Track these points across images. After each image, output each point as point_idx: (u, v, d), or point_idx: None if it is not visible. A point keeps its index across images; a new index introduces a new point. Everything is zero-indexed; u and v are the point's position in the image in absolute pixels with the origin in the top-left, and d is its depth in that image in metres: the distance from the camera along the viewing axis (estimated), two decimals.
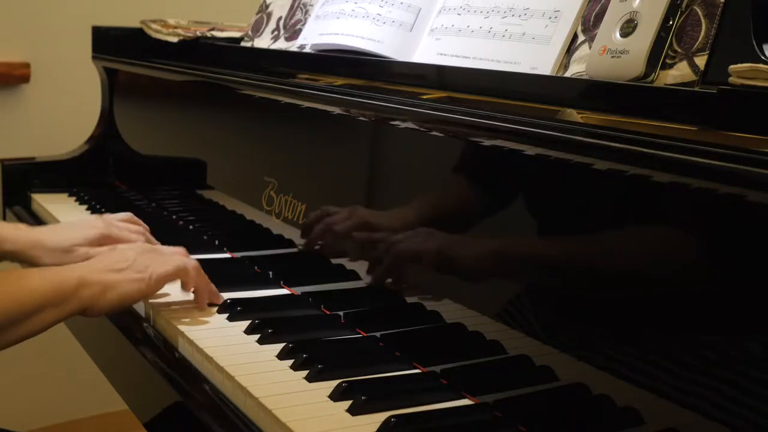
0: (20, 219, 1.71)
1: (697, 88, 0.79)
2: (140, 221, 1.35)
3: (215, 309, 1.13)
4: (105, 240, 1.25)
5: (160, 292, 1.12)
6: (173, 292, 1.16)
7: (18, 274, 1.03)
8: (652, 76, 0.83)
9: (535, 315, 0.89)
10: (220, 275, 1.18)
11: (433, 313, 1.00)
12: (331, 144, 1.25)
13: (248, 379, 0.92)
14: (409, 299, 1.05)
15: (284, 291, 1.22)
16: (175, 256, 1.13)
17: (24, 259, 1.24)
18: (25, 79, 2.28)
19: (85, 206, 1.69)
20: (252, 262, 1.33)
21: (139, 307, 1.15)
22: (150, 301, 1.14)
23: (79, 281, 1.02)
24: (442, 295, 1.00)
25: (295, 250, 1.27)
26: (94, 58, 1.93)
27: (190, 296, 1.15)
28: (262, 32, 1.53)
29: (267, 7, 1.56)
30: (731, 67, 0.72)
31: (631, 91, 0.82)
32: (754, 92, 0.69)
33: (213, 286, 1.14)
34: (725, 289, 0.71)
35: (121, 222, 1.32)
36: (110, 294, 1.04)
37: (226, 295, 1.15)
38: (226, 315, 1.10)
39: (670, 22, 0.83)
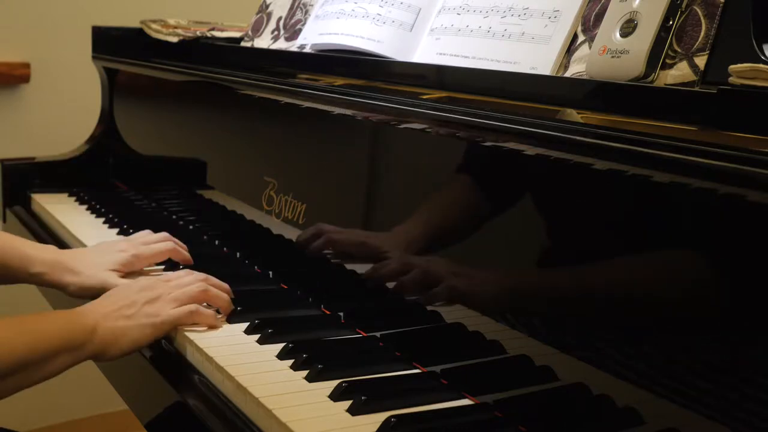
0: (20, 219, 1.71)
1: (697, 88, 0.79)
2: (173, 238, 1.31)
3: (215, 309, 1.13)
4: (135, 260, 1.24)
5: None
6: None
7: (33, 319, 1.02)
8: (652, 76, 0.83)
9: (536, 315, 0.89)
10: (220, 276, 1.18)
11: (433, 313, 1.00)
12: (331, 144, 1.25)
13: (248, 379, 0.92)
14: (409, 299, 1.05)
15: (284, 291, 1.22)
16: (188, 290, 1.09)
17: (51, 282, 1.23)
18: (25, 79, 2.28)
19: (85, 206, 1.69)
20: (252, 262, 1.33)
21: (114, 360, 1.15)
22: None
23: (93, 328, 1.01)
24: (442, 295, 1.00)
25: (295, 250, 1.27)
26: (94, 58, 1.93)
27: None
28: (262, 32, 1.53)
29: (267, 7, 1.56)
30: (731, 67, 0.72)
31: (631, 91, 0.82)
32: (754, 92, 0.69)
33: (225, 296, 1.12)
34: (725, 289, 0.71)
35: (147, 238, 1.30)
36: (122, 341, 1.03)
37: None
38: (221, 316, 1.10)
39: (670, 22, 0.83)
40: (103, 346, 1.02)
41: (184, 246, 1.31)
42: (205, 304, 1.10)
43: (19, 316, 1.01)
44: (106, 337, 1.02)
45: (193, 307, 1.07)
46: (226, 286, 1.14)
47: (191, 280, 1.11)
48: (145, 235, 1.32)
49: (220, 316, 1.10)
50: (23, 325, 1.00)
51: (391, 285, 1.07)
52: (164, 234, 1.31)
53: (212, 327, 1.07)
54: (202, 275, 1.13)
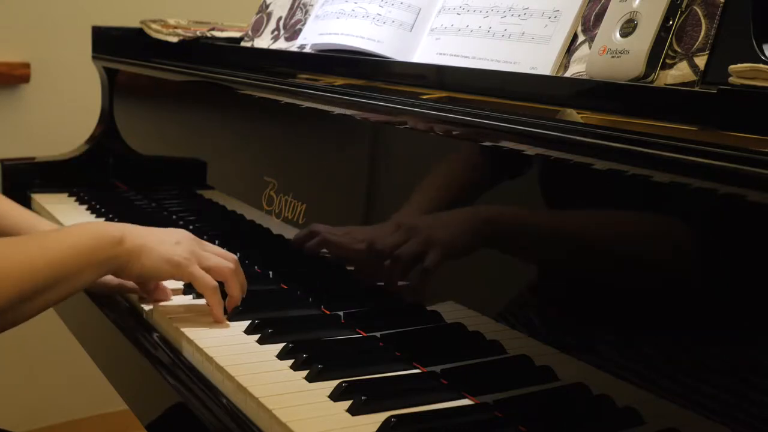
0: None
1: (697, 88, 0.79)
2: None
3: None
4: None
5: None
6: (175, 293, 1.16)
7: (57, 234, 1.04)
8: (652, 76, 0.83)
9: (536, 315, 0.89)
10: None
11: (433, 313, 1.00)
12: (331, 144, 1.25)
13: (248, 379, 0.92)
14: (409, 299, 1.05)
15: (284, 291, 1.22)
16: (220, 261, 1.09)
17: None
18: (25, 79, 2.28)
19: (85, 206, 1.69)
20: (252, 262, 1.33)
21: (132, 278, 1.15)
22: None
23: (120, 239, 1.03)
24: (442, 294, 1.00)
25: (295, 250, 1.27)
26: (94, 58, 1.93)
27: (192, 301, 1.15)
28: (262, 32, 1.53)
29: (267, 7, 1.56)
30: (731, 67, 0.72)
31: (631, 91, 0.82)
32: (754, 92, 0.69)
33: (240, 290, 1.12)
34: (725, 289, 0.71)
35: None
36: (145, 259, 1.04)
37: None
38: (226, 315, 1.10)
39: (670, 22, 0.83)
40: (126, 260, 1.04)
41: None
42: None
43: (47, 231, 1.02)
44: (131, 252, 1.04)
45: (215, 286, 1.07)
46: (245, 283, 1.13)
47: (226, 255, 1.12)
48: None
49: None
50: (45, 240, 1.01)
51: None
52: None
53: (216, 320, 1.07)
54: (234, 257, 1.13)
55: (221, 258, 1.10)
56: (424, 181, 1.06)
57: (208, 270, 1.08)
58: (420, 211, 1.05)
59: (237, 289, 1.10)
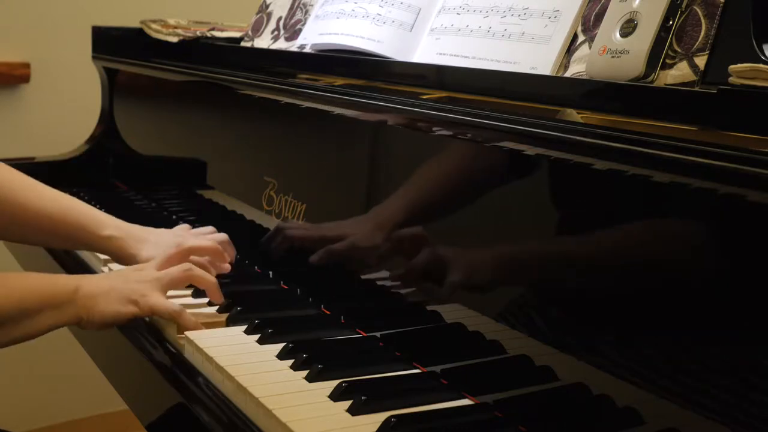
0: None
1: (697, 88, 0.79)
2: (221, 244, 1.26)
3: (215, 309, 1.13)
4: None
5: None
6: (174, 293, 1.16)
7: (16, 276, 1.04)
8: (652, 76, 0.83)
9: (536, 315, 0.89)
10: (220, 276, 1.18)
11: (433, 313, 1.00)
12: (331, 144, 1.25)
13: (248, 380, 0.92)
14: (409, 299, 1.05)
15: (284, 290, 1.22)
16: (171, 271, 1.10)
17: (119, 248, 1.22)
18: (25, 79, 2.28)
19: None
20: (252, 262, 1.33)
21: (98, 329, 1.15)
22: None
23: (75, 289, 1.03)
24: (442, 294, 1.00)
25: (295, 249, 1.27)
26: (94, 58, 1.93)
27: (192, 300, 1.15)
28: (262, 32, 1.53)
29: (267, 7, 1.56)
30: (731, 67, 0.72)
31: (631, 91, 0.82)
32: (754, 92, 0.69)
33: (210, 278, 1.12)
34: (725, 289, 0.71)
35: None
36: (104, 307, 1.04)
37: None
38: (226, 315, 1.10)
39: (670, 22, 0.83)
40: (85, 309, 1.03)
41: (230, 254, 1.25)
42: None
43: (2, 273, 1.02)
44: (88, 301, 1.03)
45: (178, 308, 1.06)
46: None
47: (212, 235, 1.17)
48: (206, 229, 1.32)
49: (212, 309, 1.12)
50: (5, 279, 1.01)
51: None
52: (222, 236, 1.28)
53: (195, 327, 1.07)
54: (180, 249, 1.15)
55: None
56: (422, 180, 1.06)
57: (191, 251, 1.13)
58: (418, 209, 1.05)
59: (204, 280, 1.11)
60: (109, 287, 1.05)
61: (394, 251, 1.05)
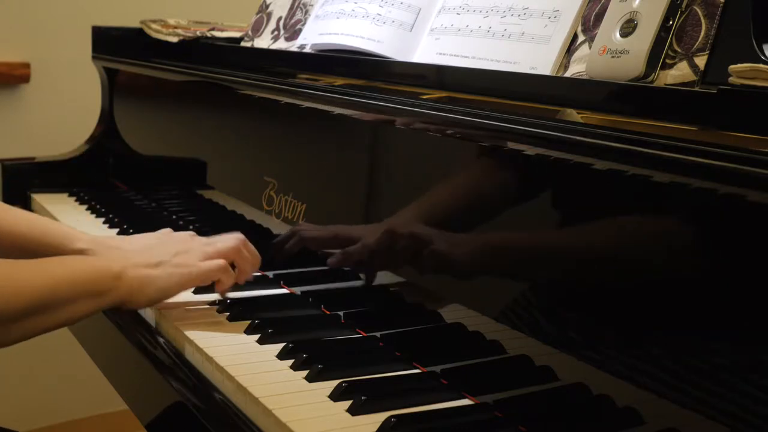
0: None
1: (697, 88, 0.79)
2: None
3: (215, 309, 1.13)
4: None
5: None
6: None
7: (58, 261, 1.02)
8: (652, 76, 0.83)
9: (536, 315, 0.89)
10: None
11: (433, 313, 1.00)
12: (331, 144, 1.25)
13: (248, 379, 0.92)
14: (409, 299, 1.05)
15: (284, 291, 1.22)
16: (221, 245, 1.12)
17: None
18: (25, 79, 2.28)
19: (85, 206, 1.69)
20: None
21: (141, 309, 1.15)
22: None
23: (118, 275, 1.02)
24: (443, 294, 1.00)
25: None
26: (94, 58, 1.93)
27: (191, 297, 1.15)
28: (262, 32, 1.53)
29: (267, 7, 1.56)
30: (731, 67, 0.72)
31: (631, 91, 0.82)
32: (754, 92, 0.69)
33: (253, 264, 1.15)
34: (725, 289, 0.71)
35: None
36: (149, 289, 1.04)
37: (227, 295, 1.15)
38: (227, 315, 1.10)
39: (670, 22, 0.83)
40: (129, 294, 1.03)
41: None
42: None
43: (43, 258, 1.01)
44: (133, 284, 1.03)
45: (222, 262, 1.08)
46: (258, 255, 1.16)
47: (227, 238, 1.14)
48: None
49: (213, 309, 1.11)
50: (46, 265, 1.00)
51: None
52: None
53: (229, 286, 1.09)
54: (240, 235, 1.15)
55: (222, 242, 1.13)
56: (427, 185, 1.06)
57: (209, 258, 1.11)
58: (419, 212, 1.05)
59: (247, 263, 1.13)
60: (155, 267, 1.05)
61: (402, 253, 1.05)
